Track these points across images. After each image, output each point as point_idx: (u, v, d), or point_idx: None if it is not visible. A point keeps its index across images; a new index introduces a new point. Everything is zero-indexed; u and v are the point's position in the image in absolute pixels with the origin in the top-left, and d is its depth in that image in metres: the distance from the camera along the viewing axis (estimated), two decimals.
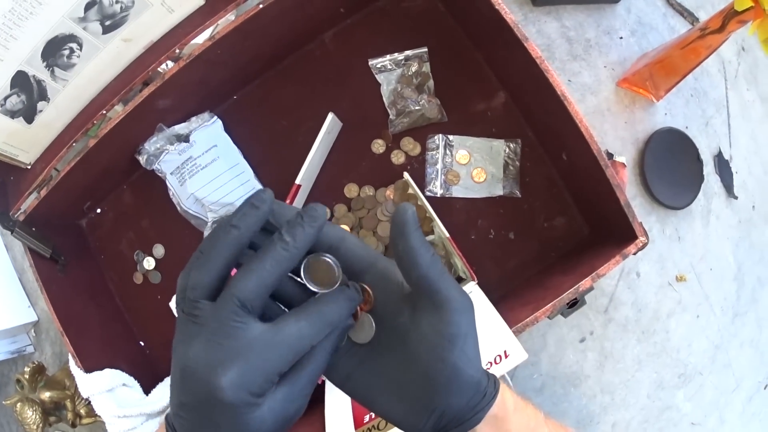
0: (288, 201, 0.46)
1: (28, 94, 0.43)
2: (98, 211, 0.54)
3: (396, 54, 0.48)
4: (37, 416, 0.54)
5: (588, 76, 0.52)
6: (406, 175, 0.44)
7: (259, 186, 0.49)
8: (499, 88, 0.48)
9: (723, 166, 0.53)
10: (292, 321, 0.20)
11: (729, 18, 0.40)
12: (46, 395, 0.55)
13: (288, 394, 0.20)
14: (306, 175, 0.45)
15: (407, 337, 0.21)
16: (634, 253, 0.39)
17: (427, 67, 0.48)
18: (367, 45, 0.49)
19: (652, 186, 0.51)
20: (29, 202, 0.49)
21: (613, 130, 0.52)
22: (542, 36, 0.52)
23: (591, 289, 0.39)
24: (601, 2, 0.52)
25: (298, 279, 0.21)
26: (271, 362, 0.19)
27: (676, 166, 0.52)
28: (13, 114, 0.44)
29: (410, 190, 0.46)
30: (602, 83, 0.52)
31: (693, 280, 0.52)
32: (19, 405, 0.54)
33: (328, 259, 0.21)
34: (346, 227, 0.47)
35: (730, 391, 0.52)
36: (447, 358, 0.20)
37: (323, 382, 0.43)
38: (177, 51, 0.44)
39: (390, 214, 0.46)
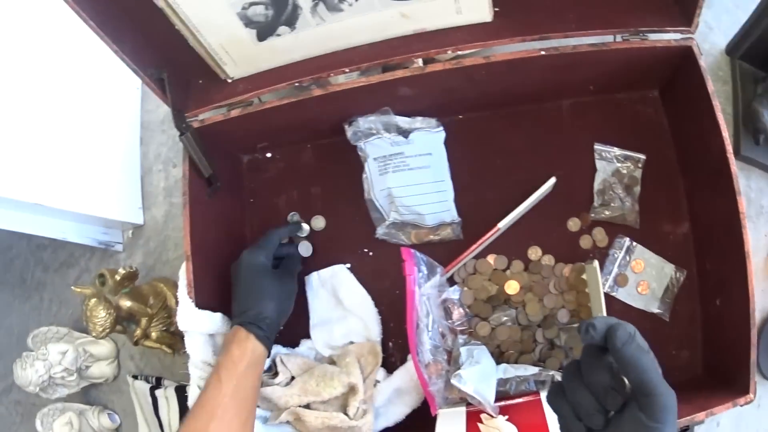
0: (481, 239, 0.46)
1: (278, 12, 0.41)
2: (268, 155, 0.53)
3: (617, 149, 0.50)
4: (110, 319, 0.50)
5: (750, 239, 0.56)
6: (595, 263, 0.45)
7: (453, 210, 0.49)
8: (687, 218, 0.51)
9: None
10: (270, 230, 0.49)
11: None
12: (126, 303, 0.51)
13: (257, 249, 0.46)
14: (508, 222, 0.46)
15: (623, 424, 0.25)
16: (741, 405, 0.42)
17: (639, 173, 0.50)
18: (595, 128, 0.51)
19: (760, 352, 0.55)
20: (210, 114, 0.47)
21: None
22: None
23: (702, 422, 0.43)
24: None
25: None
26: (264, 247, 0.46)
27: None
28: (249, 23, 0.41)
29: (584, 276, 0.48)
30: (758, 250, 0.56)
31: None
32: (93, 300, 0.50)
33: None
34: (516, 283, 0.48)
35: None
36: None
37: (434, 415, 0.44)
38: (449, 52, 0.43)
39: (560, 290, 0.48)
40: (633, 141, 0.51)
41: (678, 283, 0.51)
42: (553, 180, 0.47)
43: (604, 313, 0.44)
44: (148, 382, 0.56)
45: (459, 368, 0.43)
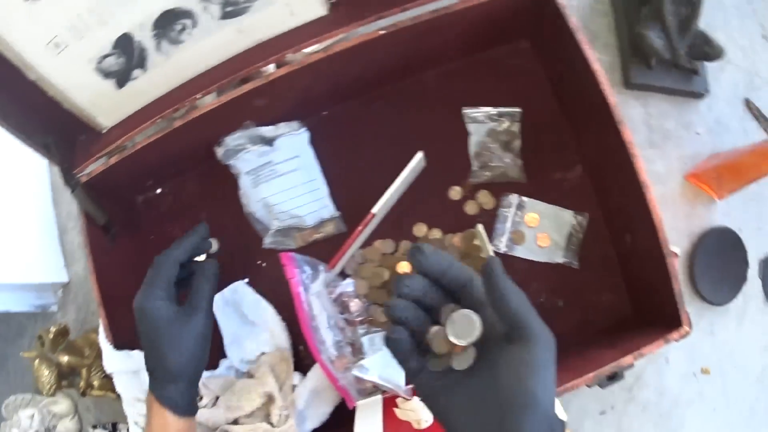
0: (360, 228, 0.46)
1: (128, 58, 0.43)
2: (158, 191, 0.54)
3: (490, 108, 0.49)
4: (53, 377, 0.54)
5: (660, 165, 0.54)
6: (480, 226, 0.44)
7: (331, 205, 0.49)
8: (578, 161, 0.50)
9: (767, 272, 0.55)
10: (167, 251, 0.41)
11: None
12: (64, 358, 0.54)
13: (187, 312, 0.38)
14: (383, 207, 0.46)
15: (496, 365, 0.24)
16: (676, 340, 0.40)
17: (517, 127, 0.49)
18: (463, 92, 0.50)
19: (697, 279, 0.53)
20: (95, 165, 0.48)
21: (672, 220, 0.54)
22: (626, 119, 0.53)
23: (631, 366, 0.41)
24: (687, 96, 0.54)
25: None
26: (159, 276, 0.39)
27: (723, 264, 0.54)
28: (106, 74, 0.43)
29: (476, 242, 0.47)
30: (672, 174, 0.54)
31: (716, 375, 0.54)
32: (37, 361, 0.54)
33: (474, 317, 0.24)
34: (407, 264, 0.48)
35: None
36: (527, 384, 0.22)
37: (353, 408, 0.44)
38: (289, 56, 0.44)
39: None
40: (509, 96, 0.50)
41: (582, 227, 0.49)
42: (419, 155, 0.46)
43: None
44: (105, 429, 0.58)
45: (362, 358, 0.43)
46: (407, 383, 0.42)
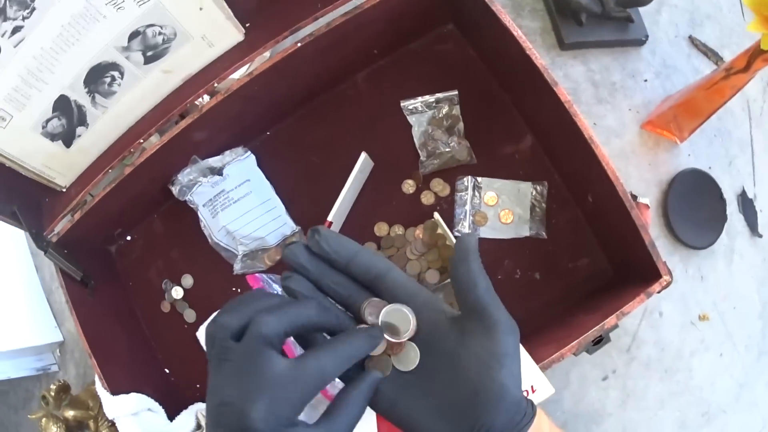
0: None
1: (69, 118, 0.44)
2: (128, 238, 0.56)
3: (427, 96, 0.49)
4: None
5: (613, 119, 0.53)
6: (436, 215, 0.44)
7: (290, 222, 0.50)
8: (527, 131, 0.49)
9: (747, 205, 0.54)
10: (313, 356, 0.22)
11: (754, 57, 0.40)
12: (69, 413, 0.56)
13: None
14: (338, 212, 0.46)
15: (456, 359, 0.22)
16: (658, 292, 0.40)
17: (457, 110, 0.49)
18: (399, 86, 0.50)
19: (675, 226, 0.52)
20: (63, 224, 0.50)
21: (637, 172, 0.53)
22: (569, 80, 0.53)
23: (616, 326, 0.40)
24: (627, 45, 0.54)
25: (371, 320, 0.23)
26: (295, 393, 0.21)
27: (699, 206, 0.52)
28: (53, 137, 0.45)
29: (439, 230, 0.47)
30: (627, 126, 0.53)
31: (716, 319, 0.52)
32: (44, 420, 0.55)
33: (405, 310, 0.23)
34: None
35: (756, 430, 0.52)
36: (495, 375, 0.21)
37: None
38: (215, 85, 0.45)
39: (419, 253, 0.47)
40: (445, 82, 0.50)
41: (543, 197, 0.49)
42: (363, 155, 0.47)
43: None
44: None
45: None
46: None
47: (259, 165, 0.50)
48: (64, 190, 0.51)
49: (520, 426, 0.22)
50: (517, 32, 0.42)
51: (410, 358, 0.23)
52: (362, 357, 0.23)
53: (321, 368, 0.21)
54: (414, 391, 0.23)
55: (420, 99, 0.49)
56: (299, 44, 0.43)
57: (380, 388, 0.23)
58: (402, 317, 0.23)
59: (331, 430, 0.21)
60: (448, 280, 0.47)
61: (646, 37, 0.53)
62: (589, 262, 0.49)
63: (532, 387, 0.37)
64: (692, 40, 0.54)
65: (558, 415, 0.51)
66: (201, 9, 0.41)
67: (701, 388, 0.51)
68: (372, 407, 0.24)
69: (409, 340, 0.23)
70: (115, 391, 0.48)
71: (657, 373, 0.51)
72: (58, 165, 0.49)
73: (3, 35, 0.36)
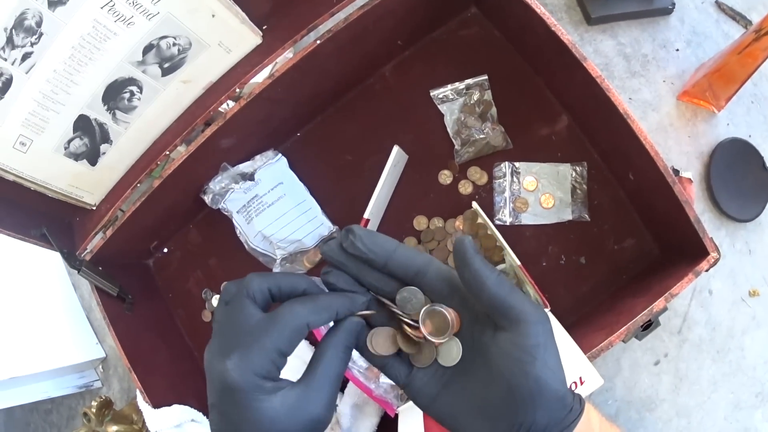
0: None
1: (91, 137, 0.44)
2: (165, 250, 0.56)
3: (457, 83, 0.48)
4: None
5: (648, 93, 0.51)
6: (474, 204, 0.43)
7: (327, 222, 0.49)
8: (562, 111, 0.48)
9: None
10: (286, 305, 0.22)
11: None
12: (113, 429, 0.56)
13: (304, 392, 0.21)
14: (374, 209, 0.45)
15: (489, 355, 0.22)
16: (707, 270, 0.38)
17: (488, 95, 0.48)
18: (427, 76, 0.49)
19: (719, 200, 0.50)
20: (95, 242, 0.50)
21: (677, 146, 0.51)
22: (599, 55, 0.51)
23: (665, 309, 0.38)
24: (655, 15, 0.52)
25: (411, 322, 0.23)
26: (269, 342, 0.20)
27: (742, 177, 0.51)
28: (77, 157, 0.45)
29: (479, 220, 0.46)
30: (663, 98, 0.51)
31: (767, 294, 0.51)
32: None
33: (444, 311, 0.22)
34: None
35: None
36: (529, 370, 0.20)
37: (396, 415, 0.43)
38: (237, 90, 0.44)
39: None
40: (473, 67, 0.49)
41: (583, 178, 0.47)
42: (396, 148, 0.46)
43: (508, 248, 0.42)
44: None
45: None
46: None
47: (292, 167, 0.49)
48: (94, 207, 0.51)
49: (566, 422, 0.20)
50: (540, 9, 0.40)
51: (452, 354, 0.23)
52: (342, 313, 0.22)
53: (294, 316, 0.21)
54: (454, 387, 0.22)
55: (450, 87, 0.48)
56: (318, 42, 0.42)
57: (421, 383, 0.23)
58: (441, 317, 0.22)
59: (310, 387, 0.21)
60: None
61: (673, 5, 0.51)
62: (635, 243, 0.47)
63: (580, 378, 0.36)
64: (719, 5, 0.52)
65: (610, 403, 0.49)
66: (213, 16, 0.41)
67: (754, 368, 0.50)
68: (414, 401, 0.23)
69: (454, 335, 0.22)
70: (157, 404, 0.48)
71: (709, 354, 0.50)
72: (85, 184, 0.49)
73: (13, 63, 0.36)
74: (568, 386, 0.21)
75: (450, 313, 0.22)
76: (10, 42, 0.35)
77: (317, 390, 0.21)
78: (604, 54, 0.51)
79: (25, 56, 0.36)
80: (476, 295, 0.21)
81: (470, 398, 0.22)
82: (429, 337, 0.22)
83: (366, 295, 0.23)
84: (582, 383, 0.36)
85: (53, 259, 0.64)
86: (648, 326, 0.39)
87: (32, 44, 0.36)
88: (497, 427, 0.21)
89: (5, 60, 0.36)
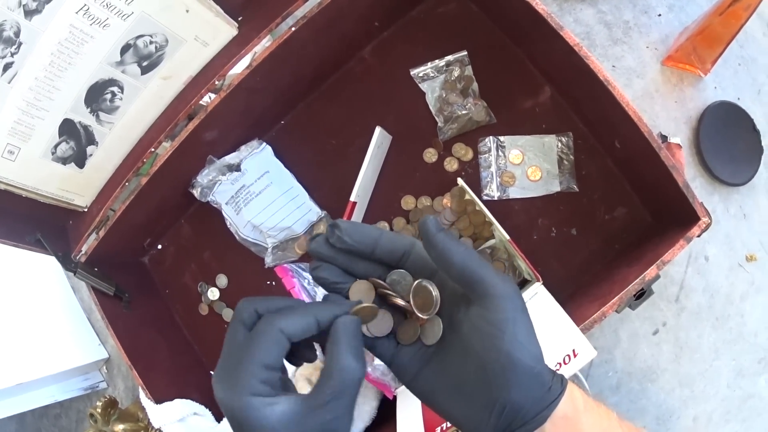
0: (345, 218, 0.46)
1: (77, 140, 0.45)
2: (159, 247, 0.56)
3: (437, 61, 0.48)
4: None
5: (632, 60, 0.51)
6: (460, 181, 0.43)
7: (315, 207, 0.49)
8: (544, 82, 0.48)
9: None
10: (266, 318, 0.21)
11: None
12: (119, 428, 0.56)
13: (306, 401, 0.20)
14: (360, 191, 0.45)
15: (463, 331, 0.21)
16: (698, 236, 0.37)
17: (469, 70, 0.47)
18: (407, 55, 0.49)
19: (710, 164, 0.50)
20: (89, 243, 0.50)
21: (664, 112, 0.50)
22: (580, 24, 0.51)
23: (657, 277, 0.38)
24: None
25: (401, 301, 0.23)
26: (248, 356, 0.20)
27: (732, 141, 0.50)
28: (64, 161, 0.46)
29: (467, 196, 0.45)
30: (647, 65, 0.51)
31: (764, 259, 0.50)
32: None
33: (429, 286, 0.22)
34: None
35: None
36: (499, 345, 0.20)
37: (394, 398, 0.43)
38: (217, 83, 0.44)
39: (449, 222, 0.46)
40: (452, 44, 0.48)
41: (569, 148, 0.47)
42: (378, 129, 0.46)
43: (497, 223, 0.42)
44: None
45: None
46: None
47: (277, 155, 0.50)
48: (86, 209, 0.52)
49: (544, 401, 0.20)
50: None
51: (434, 332, 0.23)
52: (328, 320, 0.21)
53: (268, 326, 0.20)
54: (434, 365, 0.22)
55: (430, 64, 0.48)
56: (293, 28, 0.43)
57: (405, 360, 0.23)
58: (426, 293, 0.22)
59: (312, 398, 0.20)
60: (482, 246, 0.46)
61: None
62: (627, 212, 0.47)
63: (573, 351, 0.35)
64: None
65: (610, 375, 0.49)
66: (187, 11, 0.41)
67: (755, 334, 0.49)
68: (399, 378, 0.24)
69: (435, 314, 0.23)
70: (159, 400, 0.48)
71: (708, 321, 0.49)
72: (75, 186, 0.49)
73: None
74: (561, 360, 0.21)
75: (435, 289, 0.22)
76: None
77: (321, 399, 0.20)
78: (585, 23, 0.51)
79: (7, 66, 0.37)
80: (446, 271, 0.21)
81: (448, 375, 0.22)
82: (417, 312, 0.23)
83: (346, 304, 0.23)
84: (575, 356, 0.35)
85: (51, 264, 0.65)
86: (641, 295, 0.38)
87: (12, 54, 0.36)
88: (473, 404, 0.21)
89: None
